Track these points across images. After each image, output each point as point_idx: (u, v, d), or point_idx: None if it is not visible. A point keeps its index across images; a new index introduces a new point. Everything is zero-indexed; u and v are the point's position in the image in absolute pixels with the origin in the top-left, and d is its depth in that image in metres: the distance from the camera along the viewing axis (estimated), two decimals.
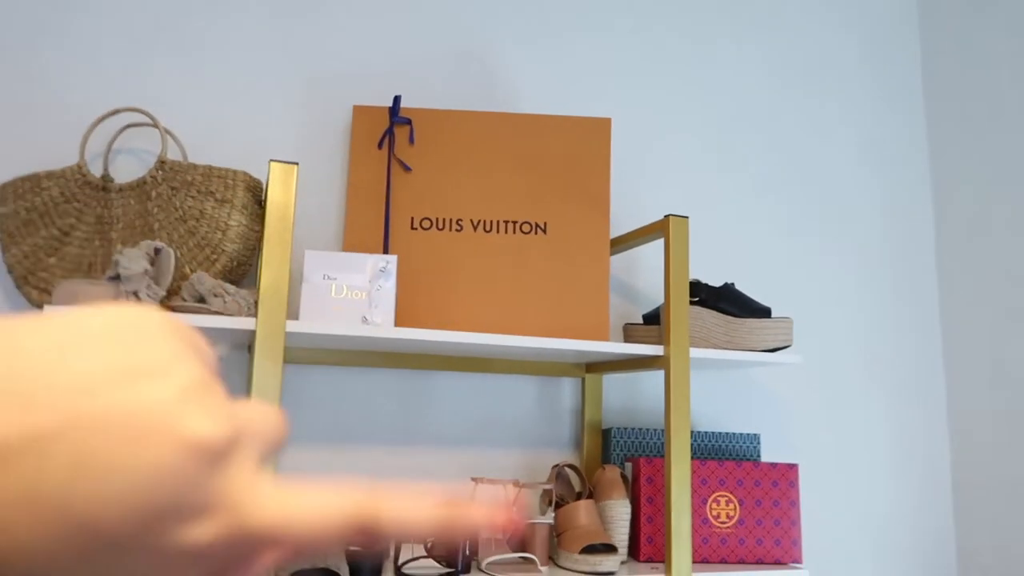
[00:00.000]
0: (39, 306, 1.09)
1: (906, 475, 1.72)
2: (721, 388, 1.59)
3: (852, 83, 1.84)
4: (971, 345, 1.76)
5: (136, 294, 0.94)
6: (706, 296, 1.33)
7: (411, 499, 0.22)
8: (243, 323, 0.99)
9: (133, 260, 0.94)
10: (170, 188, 1.13)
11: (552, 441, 1.45)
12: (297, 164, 1.04)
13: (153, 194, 1.12)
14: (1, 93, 1.21)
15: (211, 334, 1.06)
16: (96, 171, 1.22)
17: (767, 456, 1.59)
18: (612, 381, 1.51)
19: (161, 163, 1.13)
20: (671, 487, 1.18)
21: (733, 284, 1.40)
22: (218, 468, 0.20)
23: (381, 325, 1.12)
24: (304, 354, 1.28)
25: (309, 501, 0.21)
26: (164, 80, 1.29)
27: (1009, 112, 1.73)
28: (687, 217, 1.25)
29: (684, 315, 1.22)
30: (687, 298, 1.23)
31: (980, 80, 1.80)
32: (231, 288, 1.04)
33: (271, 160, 1.01)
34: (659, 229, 1.26)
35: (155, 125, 1.16)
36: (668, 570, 1.16)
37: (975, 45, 1.82)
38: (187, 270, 1.10)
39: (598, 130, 1.35)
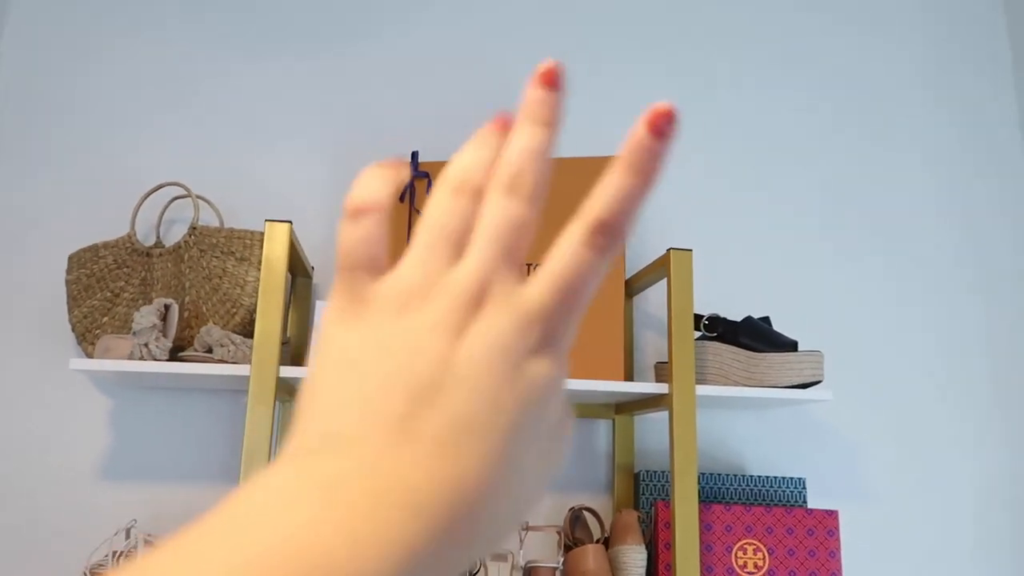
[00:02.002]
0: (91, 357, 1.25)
1: (994, 525, 1.51)
2: (770, 429, 1.49)
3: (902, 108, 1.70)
4: None
5: (147, 346, 1.06)
6: (724, 331, 1.28)
7: (606, 189, 0.24)
8: (240, 370, 1.08)
9: (144, 316, 1.06)
10: (199, 251, 1.26)
11: (585, 484, 1.43)
12: (291, 222, 1.13)
13: (186, 257, 1.26)
14: (74, 171, 1.42)
15: (214, 381, 1.16)
16: (150, 239, 1.38)
17: (821, 503, 1.47)
18: (652, 423, 1.47)
19: (193, 228, 1.27)
20: (675, 532, 1.13)
21: (762, 318, 1.33)
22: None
23: None
24: None
25: (550, 266, 0.23)
26: (205, 151, 1.45)
27: None
28: (690, 250, 1.21)
29: (689, 351, 1.18)
30: (691, 333, 1.19)
31: None
32: (237, 339, 1.14)
33: (266, 220, 1.11)
34: (664, 264, 1.24)
35: (188, 195, 1.31)
36: None
37: None
38: (211, 323, 1.22)
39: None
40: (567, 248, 0.23)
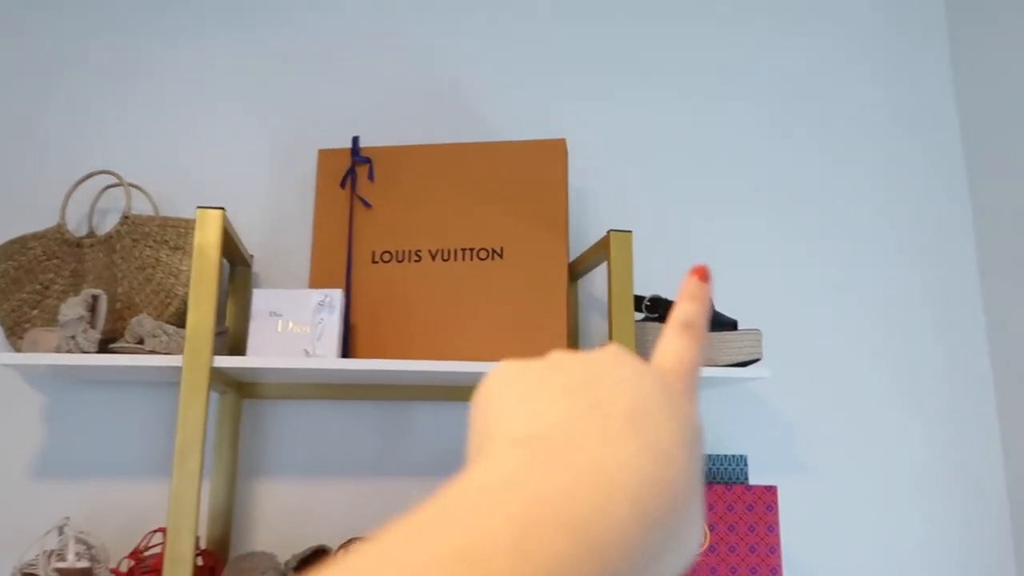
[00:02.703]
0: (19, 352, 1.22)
1: (947, 498, 1.56)
2: (713, 408, 1.52)
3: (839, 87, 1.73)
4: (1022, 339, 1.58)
5: (74, 338, 1.03)
6: (665, 312, 1.29)
7: (681, 303, 0.33)
8: (172, 360, 1.06)
9: (70, 308, 1.03)
10: (132, 240, 1.23)
11: None
12: (223, 209, 1.11)
13: (118, 247, 1.23)
14: (1, 161, 1.37)
15: (148, 373, 1.14)
16: (82, 229, 1.35)
17: (762, 479, 1.50)
18: None
19: (125, 218, 1.24)
20: None
21: None
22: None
23: (324, 357, 1.16)
24: (280, 390, 1.34)
25: (666, 347, 0.31)
26: (138, 138, 1.42)
27: None
28: (630, 231, 1.22)
29: (629, 331, 1.19)
30: (631, 315, 1.20)
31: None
32: (171, 329, 1.11)
33: (198, 206, 1.08)
34: (604, 246, 1.24)
35: (120, 183, 1.27)
36: None
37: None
38: (144, 314, 1.19)
39: (553, 152, 1.35)
40: (673, 340, 0.31)
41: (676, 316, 0.32)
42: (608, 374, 0.26)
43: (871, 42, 1.76)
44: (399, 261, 1.33)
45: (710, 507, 1.24)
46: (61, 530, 1.06)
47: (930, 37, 1.79)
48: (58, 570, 0.99)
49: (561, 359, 0.28)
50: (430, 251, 1.33)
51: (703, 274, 0.34)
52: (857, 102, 1.72)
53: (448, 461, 1.40)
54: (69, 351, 1.04)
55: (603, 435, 0.22)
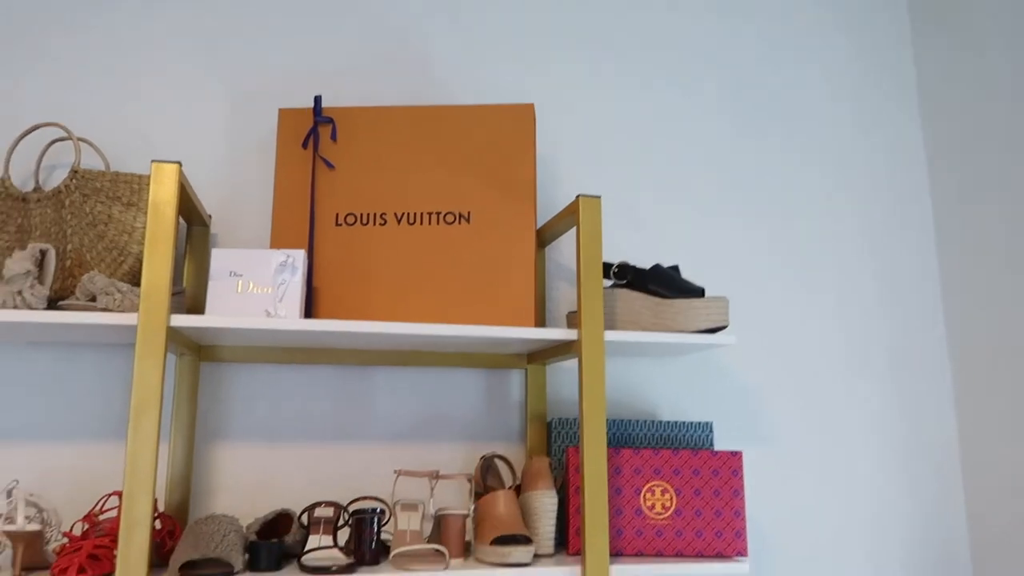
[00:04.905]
0: None
1: (902, 465, 1.60)
2: (680, 376, 1.52)
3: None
4: (976, 310, 1.62)
5: (20, 294, 0.98)
6: (633, 278, 1.28)
7: None
8: (126, 319, 1.02)
9: (16, 263, 0.98)
10: (82, 195, 1.17)
11: (500, 435, 1.42)
12: (179, 163, 1.06)
13: (67, 202, 1.18)
14: None
15: (100, 332, 1.09)
16: (29, 184, 1.28)
17: (727, 446, 1.52)
18: (564, 373, 1.47)
19: (74, 172, 1.18)
20: (584, 476, 1.13)
21: (671, 267, 1.34)
22: None
23: (285, 318, 1.12)
24: (239, 353, 1.31)
25: None
26: (88, 93, 1.35)
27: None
28: (599, 197, 1.20)
29: (597, 297, 1.18)
30: (600, 280, 1.19)
31: None
32: (124, 287, 1.07)
33: (152, 160, 1.04)
34: (573, 211, 1.23)
35: (69, 137, 1.21)
36: (583, 563, 1.12)
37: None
38: (97, 271, 1.14)
39: (521, 117, 1.33)
40: None
41: None
42: None
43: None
44: (363, 224, 1.30)
45: (676, 471, 1.24)
46: (9, 493, 1.02)
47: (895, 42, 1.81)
48: (7, 533, 0.95)
49: None
50: (395, 214, 1.30)
51: None
52: (826, 66, 1.73)
53: (406, 427, 1.38)
54: (15, 307, 0.99)
55: None
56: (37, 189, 1.22)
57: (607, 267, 1.31)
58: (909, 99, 1.78)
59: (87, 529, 1.04)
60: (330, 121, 1.33)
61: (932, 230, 1.72)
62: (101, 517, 1.07)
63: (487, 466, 1.30)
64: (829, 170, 1.69)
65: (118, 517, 1.07)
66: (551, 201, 1.53)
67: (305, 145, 1.33)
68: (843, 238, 1.67)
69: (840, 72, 1.74)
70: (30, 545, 0.99)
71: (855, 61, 1.76)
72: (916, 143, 1.76)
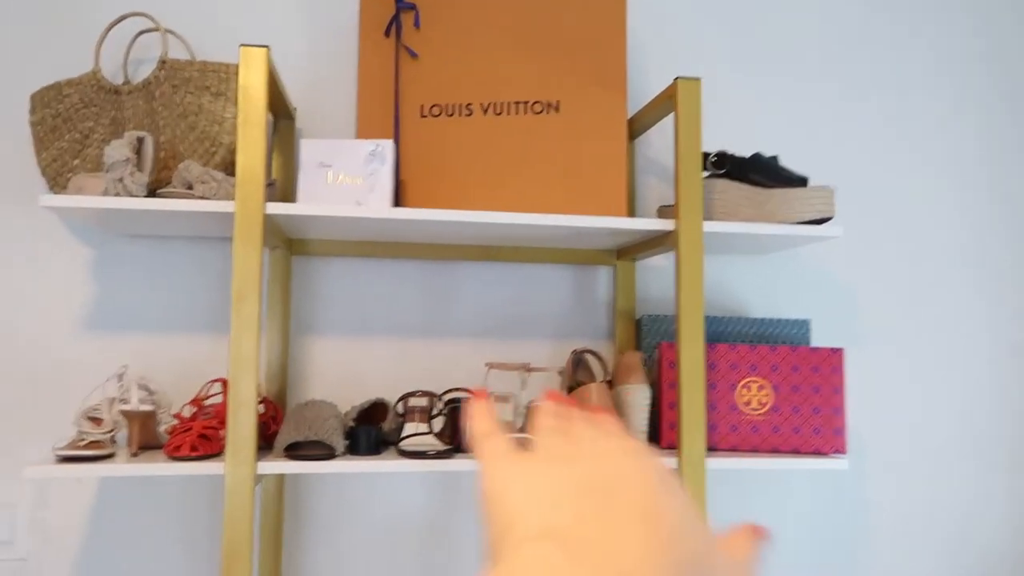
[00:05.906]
0: None
1: (1004, 369, 1.52)
2: (774, 275, 1.46)
3: None
4: None
5: (121, 180, 0.99)
6: (732, 168, 1.22)
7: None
8: (224, 206, 1.02)
9: (116, 149, 0.98)
10: (171, 86, 1.17)
11: (587, 332, 1.40)
12: (268, 47, 1.03)
13: (157, 93, 1.17)
14: (27, 8, 1.29)
15: (197, 222, 1.10)
16: (119, 77, 1.28)
17: (823, 344, 1.47)
18: (653, 271, 1.43)
19: (162, 63, 1.17)
20: (681, 370, 1.11)
21: (770, 157, 1.27)
22: None
23: (375, 207, 1.11)
24: (328, 246, 1.31)
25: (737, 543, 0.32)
26: None
27: None
28: (698, 79, 1.13)
29: (697, 186, 1.13)
30: (699, 167, 1.13)
31: None
32: (219, 175, 1.07)
33: (241, 44, 1.01)
34: (671, 96, 1.16)
35: (157, 28, 1.20)
36: (680, 456, 1.11)
37: None
38: (191, 160, 1.15)
39: (612, 2, 1.25)
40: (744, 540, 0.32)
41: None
42: (617, 472, 0.28)
43: None
44: (449, 115, 1.26)
45: (774, 367, 1.21)
46: (120, 376, 1.06)
47: None
48: (123, 412, 0.99)
49: (561, 451, 0.29)
50: (481, 104, 1.26)
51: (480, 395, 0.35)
52: None
53: (492, 323, 1.37)
54: (117, 194, 1.00)
55: (617, 530, 0.24)
56: (127, 82, 1.22)
57: (704, 157, 1.25)
58: None
59: (195, 412, 1.08)
60: (412, 7, 1.28)
61: None
62: (207, 402, 1.11)
63: (578, 360, 1.29)
64: (944, 51, 1.55)
65: (224, 402, 1.10)
66: (638, 93, 1.46)
67: (388, 33, 1.28)
68: (955, 122, 1.54)
69: None
70: (144, 424, 1.03)
71: None
72: None
